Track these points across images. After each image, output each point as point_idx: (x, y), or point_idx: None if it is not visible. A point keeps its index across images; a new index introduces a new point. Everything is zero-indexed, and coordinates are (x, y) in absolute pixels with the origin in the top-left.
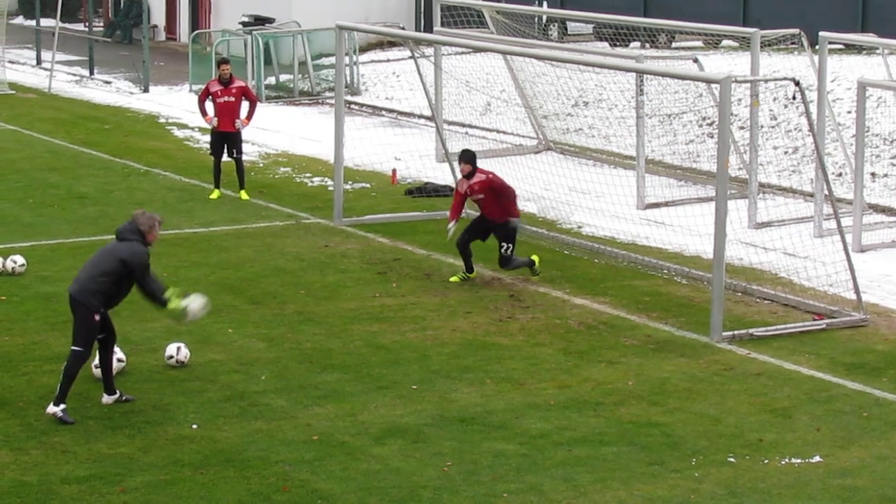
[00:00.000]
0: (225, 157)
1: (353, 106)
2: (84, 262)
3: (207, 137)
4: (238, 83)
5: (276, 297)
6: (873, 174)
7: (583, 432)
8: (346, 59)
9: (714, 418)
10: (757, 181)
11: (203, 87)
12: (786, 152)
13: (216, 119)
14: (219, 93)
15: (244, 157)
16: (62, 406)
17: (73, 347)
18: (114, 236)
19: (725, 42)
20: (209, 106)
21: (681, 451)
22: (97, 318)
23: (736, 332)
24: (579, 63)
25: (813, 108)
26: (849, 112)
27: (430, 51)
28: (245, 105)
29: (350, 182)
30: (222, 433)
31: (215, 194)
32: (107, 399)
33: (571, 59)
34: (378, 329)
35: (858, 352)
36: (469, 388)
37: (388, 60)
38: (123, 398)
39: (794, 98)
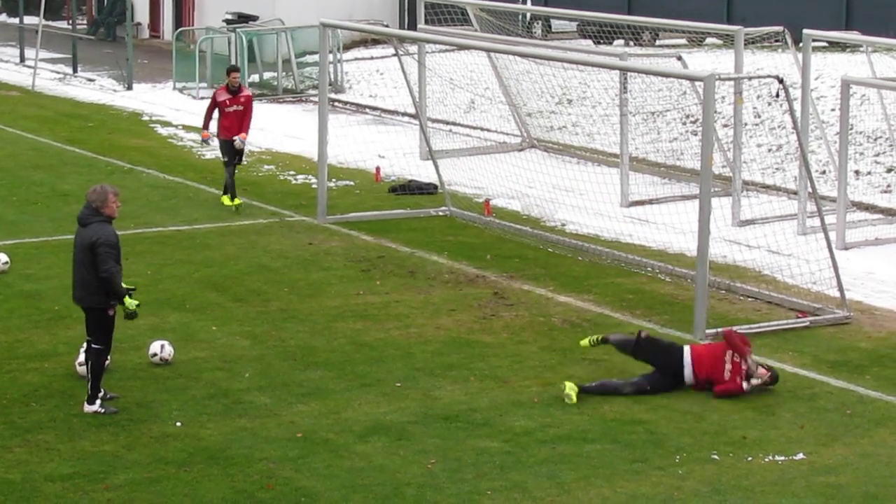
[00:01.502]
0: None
1: (336, 104)
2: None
3: (191, 135)
4: (245, 92)
5: (259, 295)
6: (857, 172)
7: (566, 430)
8: (330, 57)
9: (697, 416)
10: (741, 179)
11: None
12: (770, 150)
13: (212, 139)
14: (227, 102)
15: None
16: (98, 402)
17: (94, 346)
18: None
19: (709, 40)
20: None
21: (664, 448)
22: (111, 312)
23: (719, 329)
24: (563, 61)
25: (797, 106)
26: (833, 110)
27: (414, 48)
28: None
29: (334, 180)
30: (206, 431)
31: (235, 201)
32: (88, 408)
33: (555, 57)
34: (362, 327)
35: (842, 349)
36: (453, 385)
37: (372, 58)
38: (108, 396)
39: (777, 96)
